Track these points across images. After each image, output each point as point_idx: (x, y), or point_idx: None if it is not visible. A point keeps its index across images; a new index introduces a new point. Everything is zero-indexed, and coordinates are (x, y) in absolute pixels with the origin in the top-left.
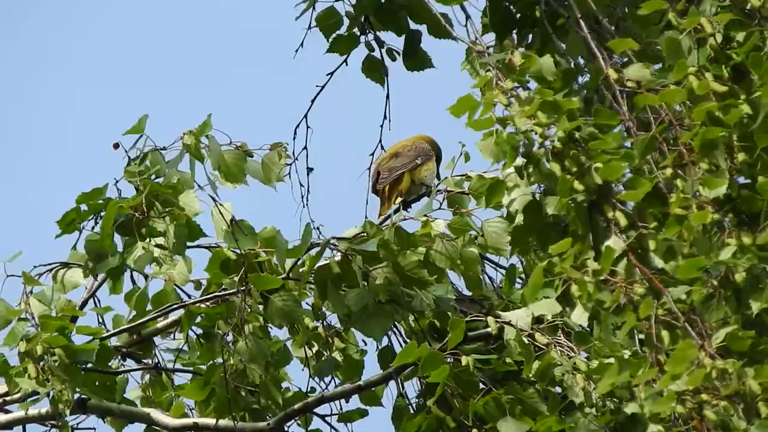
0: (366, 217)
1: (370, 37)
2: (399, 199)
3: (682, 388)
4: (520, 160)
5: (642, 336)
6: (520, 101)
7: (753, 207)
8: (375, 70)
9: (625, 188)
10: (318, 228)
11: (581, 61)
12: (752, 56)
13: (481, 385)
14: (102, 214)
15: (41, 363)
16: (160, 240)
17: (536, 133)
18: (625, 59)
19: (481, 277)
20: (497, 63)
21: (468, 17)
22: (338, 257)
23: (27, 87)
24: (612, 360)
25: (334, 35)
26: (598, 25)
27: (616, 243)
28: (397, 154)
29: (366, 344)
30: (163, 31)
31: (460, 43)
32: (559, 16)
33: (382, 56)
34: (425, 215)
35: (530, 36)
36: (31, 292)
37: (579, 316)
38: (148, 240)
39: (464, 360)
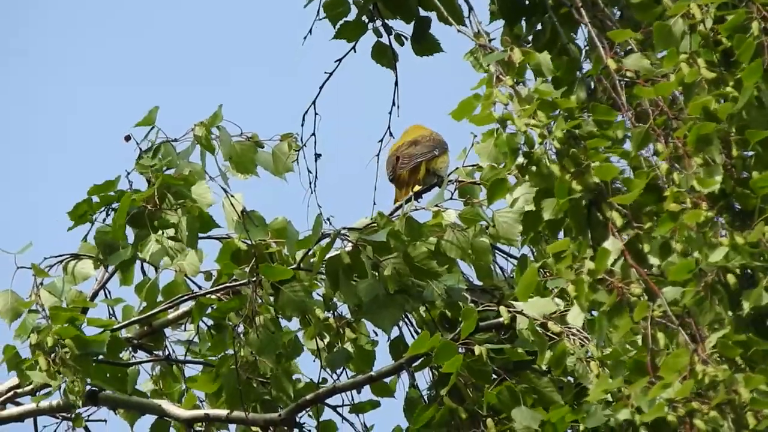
0: (374, 204)
1: (378, 23)
2: (417, 188)
3: (673, 396)
4: (520, 159)
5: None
6: (520, 99)
7: (747, 204)
8: (384, 55)
9: (623, 185)
10: (329, 219)
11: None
12: (737, 38)
13: (494, 376)
14: (113, 206)
15: (52, 355)
16: (172, 231)
17: (536, 133)
18: (629, 47)
19: (492, 267)
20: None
21: (471, 9)
22: (349, 248)
23: (27, 87)
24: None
25: (341, 22)
26: (602, 12)
27: (612, 244)
28: (416, 142)
29: (377, 335)
30: (162, 30)
31: (468, 30)
32: (564, 4)
33: (390, 43)
34: (436, 205)
35: (540, 24)
36: (41, 284)
37: (575, 317)
38: (160, 232)
39: (477, 349)
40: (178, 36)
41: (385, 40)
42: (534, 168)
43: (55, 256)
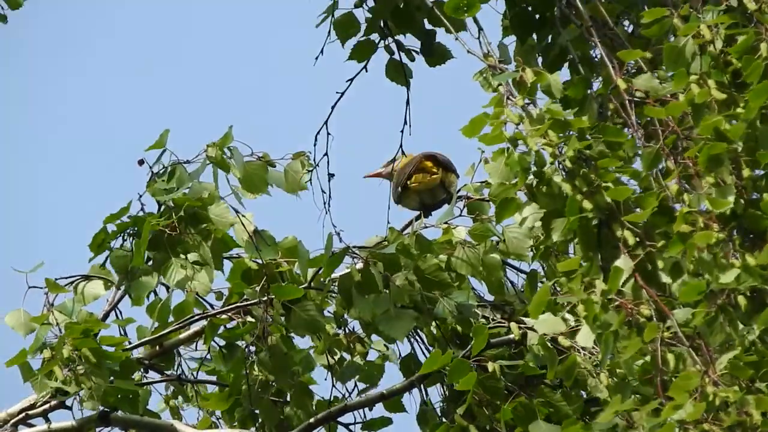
0: (388, 223)
1: (389, 41)
2: (436, 176)
3: (685, 418)
4: (531, 179)
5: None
6: (531, 119)
7: (758, 225)
8: (399, 72)
9: (635, 205)
10: (338, 233)
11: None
12: (745, 59)
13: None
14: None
15: (67, 368)
16: (194, 255)
17: (547, 153)
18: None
19: (504, 281)
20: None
21: (480, 29)
22: (359, 265)
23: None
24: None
25: (354, 42)
26: (612, 31)
27: (625, 263)
28: (434, 155)
29: (388, 349)
30: (161, 33)
31: (478, 50)
32: (574, 23)
33: (401, 58)
34: (446, 222)
35: (550, 37)
36: (52, 304)
37: (585, 337)
38: (183, 257)
39: (490, 366)
40: (183, 37)
41: (397, 56)
42: (544, 188)
43: (65, 277)
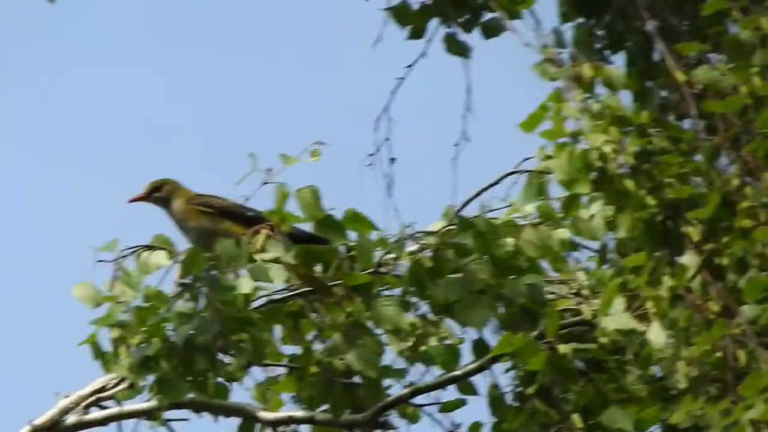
0: (452, 206)
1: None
2: None
3: (757, 417)
4: (594, 175)
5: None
6: (591, 114)
7: None
8: (456, 45)
9: (697, 201)
10: (408, 226)
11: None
12: None
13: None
14: None
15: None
16: None
17: (609, 149)
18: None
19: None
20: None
21: (538, 23)
22: (429, 252)
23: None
24: None
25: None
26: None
27: (690, 259)
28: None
29: (463, 334)
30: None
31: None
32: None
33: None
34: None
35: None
36: (119, 277)
37: (657, 334)
38: None
39: (562, 348)
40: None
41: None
42: (609, 185)
43: (129, 248)
